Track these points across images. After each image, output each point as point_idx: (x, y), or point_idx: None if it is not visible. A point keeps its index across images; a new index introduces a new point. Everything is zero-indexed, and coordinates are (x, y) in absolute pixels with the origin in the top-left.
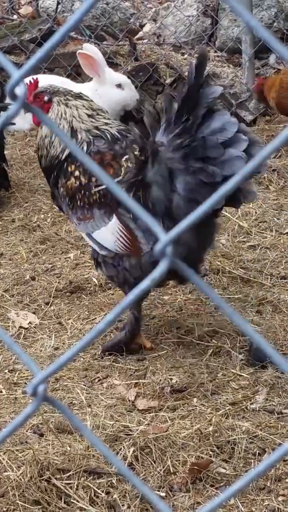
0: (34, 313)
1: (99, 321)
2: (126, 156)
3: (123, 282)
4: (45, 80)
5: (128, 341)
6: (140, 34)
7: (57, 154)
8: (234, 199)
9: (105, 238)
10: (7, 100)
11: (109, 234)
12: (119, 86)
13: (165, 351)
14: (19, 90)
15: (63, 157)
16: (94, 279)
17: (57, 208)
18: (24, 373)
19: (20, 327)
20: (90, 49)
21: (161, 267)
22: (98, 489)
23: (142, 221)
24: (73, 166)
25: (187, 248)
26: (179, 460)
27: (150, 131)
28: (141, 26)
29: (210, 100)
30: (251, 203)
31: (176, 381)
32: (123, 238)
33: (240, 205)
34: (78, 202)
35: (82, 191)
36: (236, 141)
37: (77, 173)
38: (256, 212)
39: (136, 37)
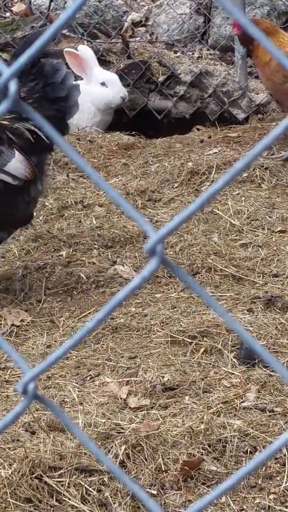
0: (26, 311)
1: (91, 319)
2: None
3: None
4: None
5: None
6: (126, 25)
7: None
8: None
9: (17, 168)
10: None
11: (18, 163)
12: (103, 84)
13: (157, 349)
14: (10, 88)
15: None
16: (83, 276)
17: None
18: (16, 371)
19: (12, 324)
20: (83, 50)
21: (151, 265)
22: (90, 487)
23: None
24: None
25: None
26: (171, 458)
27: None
28: (134, 24)
29: (40, 54)
30: (243, 201)
31: (168, 379)
32: (27, 165)
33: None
34: None
35: None
36: (68, 76)
37: None
38: (248, 210)
39: (122, 30)
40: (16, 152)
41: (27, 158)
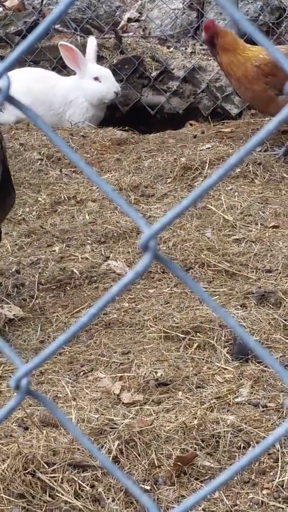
0: (19, 306)
1: (84, 314)
2: None
3: None
4: (30, 73)
5: None
6: (123, 23)
7: None
8: None
9: None
10: None
11: None
12: (96, 79)
13: (150, 344)
14: (2, 83)
15: None
16: (77, 271)
17: None
18: (9, 367)
19: (5, 316)
20: (91, 41)
21: (145, 260)
22: (83, 483)
23: None
24: None
25: None
26: (164, 454)
27: None
28: (128, 19)
29: None
30: (236, 197)
31: (161, 375)
32: None
33: None
34: None
35: None
36: None
37: None
38: (241, 206)
39: (118, 27)
40: None
41: None
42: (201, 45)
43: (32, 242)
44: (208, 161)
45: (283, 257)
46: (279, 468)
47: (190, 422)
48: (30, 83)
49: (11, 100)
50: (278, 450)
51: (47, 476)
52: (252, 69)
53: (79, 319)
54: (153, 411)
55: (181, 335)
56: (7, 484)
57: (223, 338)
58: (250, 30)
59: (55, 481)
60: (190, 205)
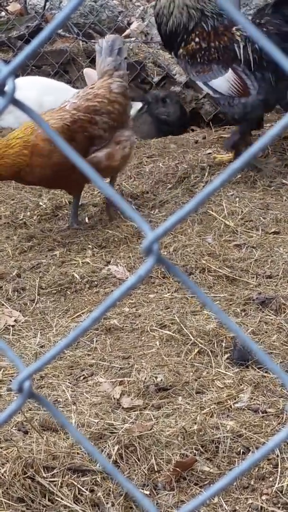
0: (19, 310)
1: (84, 319)
2: (236, 26)
3: (238, 117)
4: (31, 81)
5: None
6: (128, 31)
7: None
8: None
9: (220, 86)
10: None
11: (225, 82)
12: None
13: (151, 349)
14: (8, 86)
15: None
16: (77, 276)
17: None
18: (9, 371)
19: (6, 321)
20: (89, 73)
21: (148, 264)
22: (82, 487)
23: (253, 73)
24: (193, 35)
25: None
26: (164, 459)
27: None
28: (129, 24)
29: None
30: (237, 202)
31: (161, 380)
32: (236, 84)
33: None
34: (198, 60)
35: (202, 52)
36: None
37: (197, 39)
38: (242, 211)
39: (123, 34)
40: (228, 72)
41: (239, 78)
42: None
43: (33, 246)
44: (209, 167)
45: (283, 263)
46: (279, 474)
47: (190, 427)
48: (42, 94)
49: (16, 103)
50: (278, 456)
51: (47, 481)
52: (63, 129)
53: (80, 323)
54: (153, 416)
55: (181, 340)
56: (7, 488)
57: (223, 343)
58: (256, 34)
59: (54, 485)
60: (194, 210)
